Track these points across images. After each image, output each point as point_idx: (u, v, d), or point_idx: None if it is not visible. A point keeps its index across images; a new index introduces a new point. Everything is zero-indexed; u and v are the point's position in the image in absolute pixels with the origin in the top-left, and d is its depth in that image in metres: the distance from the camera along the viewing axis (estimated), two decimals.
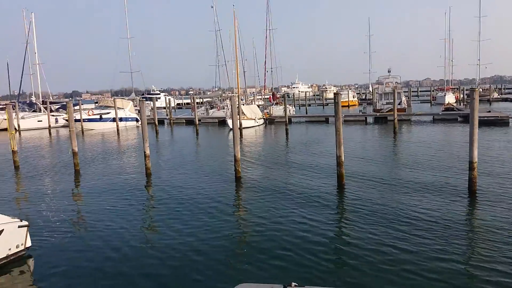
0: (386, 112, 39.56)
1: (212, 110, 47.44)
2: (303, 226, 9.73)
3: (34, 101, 50.79)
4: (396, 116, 29.75)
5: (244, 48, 71.96)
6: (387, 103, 41.62)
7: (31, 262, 8.26)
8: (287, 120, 34.15)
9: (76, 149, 17.54)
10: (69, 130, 17.74)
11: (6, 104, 24.17)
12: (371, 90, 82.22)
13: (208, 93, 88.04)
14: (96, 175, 17.16)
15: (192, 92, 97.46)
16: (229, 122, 36.72)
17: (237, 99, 15.90)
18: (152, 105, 43.05)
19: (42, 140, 33.76)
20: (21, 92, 68.99)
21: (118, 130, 37.51)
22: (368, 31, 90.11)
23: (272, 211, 11.07)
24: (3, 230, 7.73)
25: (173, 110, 54.44)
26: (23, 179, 16.96)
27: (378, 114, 39.33)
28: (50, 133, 38.82)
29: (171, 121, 44.50)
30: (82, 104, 45.13)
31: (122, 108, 42.39)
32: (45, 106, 45.17)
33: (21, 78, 51.37)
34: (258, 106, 46.35)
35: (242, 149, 22.14)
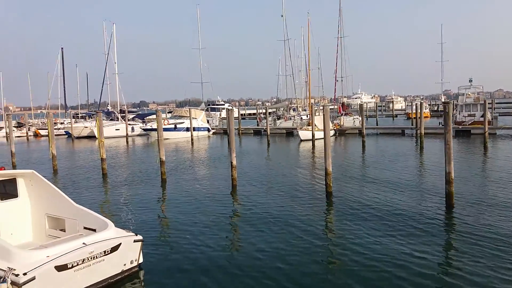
0: (469, 125, 36.90)
1: (280, 120, 47.28)
2: (408, 258, 8.47)
3: (111, 110, 53.37)
4: (486, 130, 27.38)
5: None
6: (469, 115, 38.85)
7: (143, 280, 7.89)
8: (363, 131, 32.67)
9: (163, 158, 17.64)
10: (157, 139, 17.96)
11: (96, 112, 25.16)
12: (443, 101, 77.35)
13: (267, 104, 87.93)
14: (183, 185, 17.08)
15: (260, 103, 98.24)
16: (301, 133, 36.07)
17: (328, 108, 15.23)
18: (219, 115, 43.92)
19: (121, 148, 35.04)
20: (93, 102, 73.17)
21: (192, 139, 38.29)
22: (441, 39, 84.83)
23: (371, 234, 10.09)
24: (120, 244, 7.46)
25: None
26: (113, 188, 17.22)
27: (460, 127, 36.63)
28: (127, 142, 40.31)
29: (240, 131, 44.65)
30: None
31: (195, 118, 43.17)
32: (123, 115, 47.17)
33: (102, 87, 53.86)
34: None
35: (319, 162, 21.17)
